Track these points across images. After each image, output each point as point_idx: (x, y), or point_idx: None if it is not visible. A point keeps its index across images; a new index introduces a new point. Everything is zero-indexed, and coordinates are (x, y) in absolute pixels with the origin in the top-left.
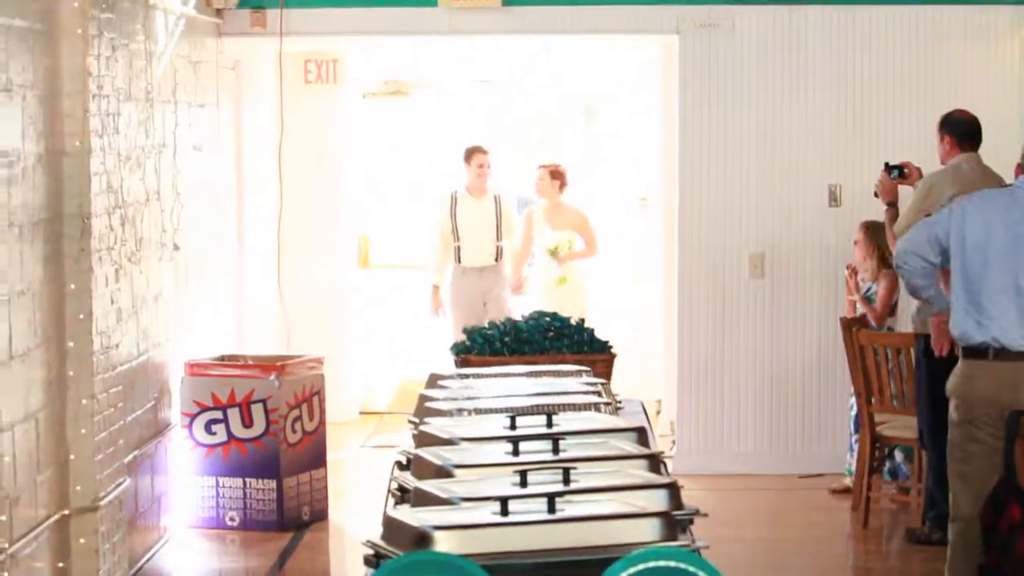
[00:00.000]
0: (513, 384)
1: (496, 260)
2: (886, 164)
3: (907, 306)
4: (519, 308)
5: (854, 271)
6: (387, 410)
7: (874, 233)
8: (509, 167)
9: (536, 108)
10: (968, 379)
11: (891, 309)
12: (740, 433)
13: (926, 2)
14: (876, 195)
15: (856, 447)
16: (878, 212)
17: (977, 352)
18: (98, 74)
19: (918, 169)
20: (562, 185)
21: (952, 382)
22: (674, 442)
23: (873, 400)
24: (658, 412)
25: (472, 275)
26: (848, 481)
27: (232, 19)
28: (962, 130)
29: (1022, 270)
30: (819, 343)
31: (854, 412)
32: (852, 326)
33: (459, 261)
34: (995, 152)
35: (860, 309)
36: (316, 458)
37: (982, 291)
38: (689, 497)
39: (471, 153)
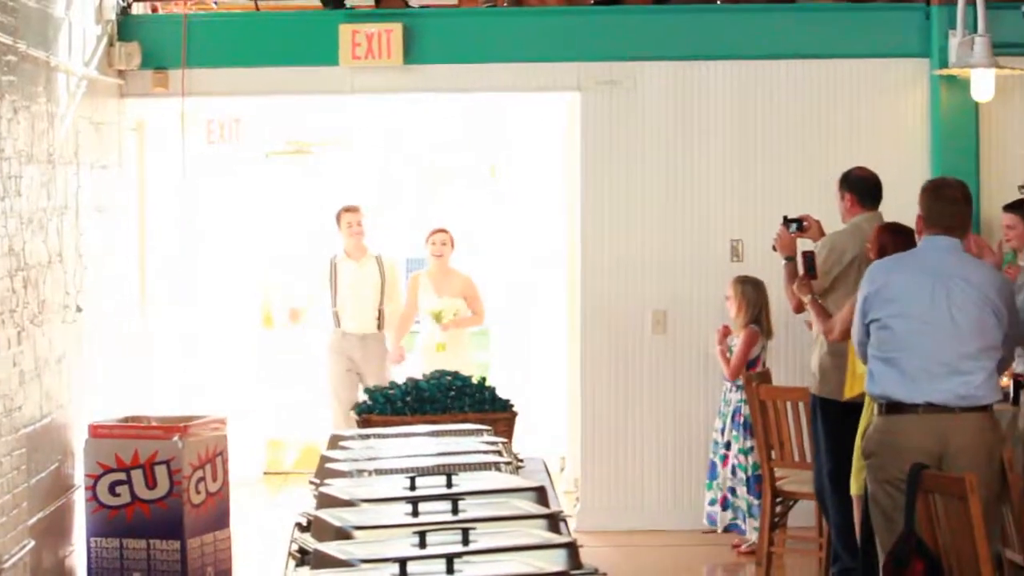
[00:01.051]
0: (414, 444)
1: (378, 327)
2: (784, 218)
3: (803, 361)
4: (398, 377)
5: (726, 332)
6: (291, 470)
7: (743, 287)
8: (409, 227)
9: (439, 166)
10: (893, 435)
11: (750, 364)
12: (644, 489)
13: (826, 56)
14: (774, 249)
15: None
16: (780, 268)
17: (903, 408)
18: (0, 137)
19: (817, 222)
20: (451, 249)
21: (875, 439)
22: (578, 499)
23: (773, 454)
24: (562, 469)
25: (352, 341)
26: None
27: (134, 80)
28: (863, 188)
29: (951, 332)
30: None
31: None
32: (753, 380)
33: (338, 325)
34: (898, 207)
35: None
36: (220, 519)
37: (910, 352)
38: (593, 554)
39: (341, 214)
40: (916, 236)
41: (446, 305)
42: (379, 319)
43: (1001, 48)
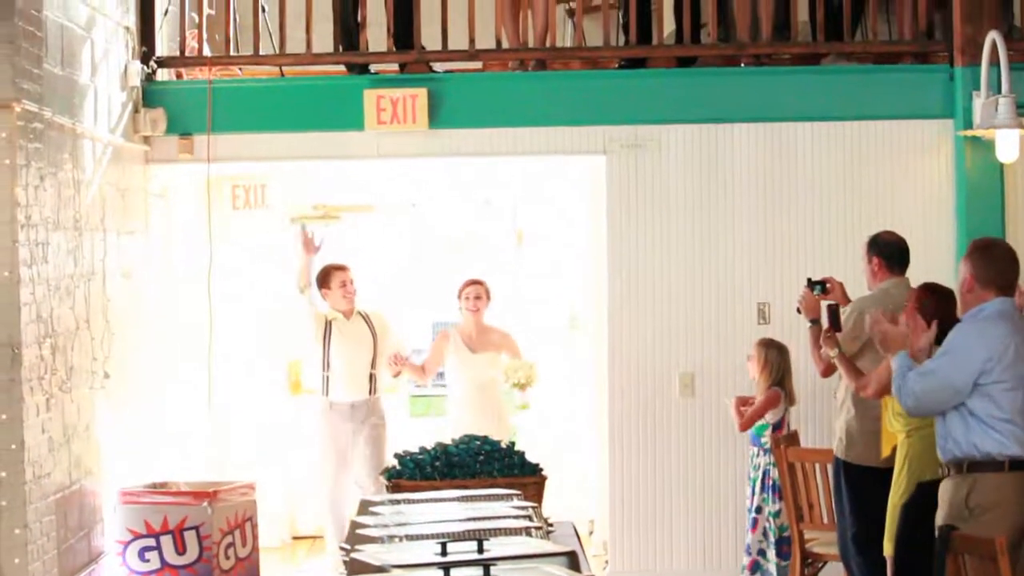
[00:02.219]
0: (444, 509)
1: (371, 393)
2: (808, 280)
3: (830, 424)
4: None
5: (742, 402)
6: (319, 534)
7: (767, 350)
8: (437, 289)
9: (465, 229)
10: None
11: (774, 428)
12: (673, 552)
13: (851, 118)
14: (799, 312)
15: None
16: (807, 331)
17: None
18: (27, 204)
19: (840, 284)
20: (487, 302)
21: (991, 496)
22: (607, 562)
23: (803, 516)
24: (591, 532)
25: (342, 412)
26: None
27: (159, 146)
28: (892, 252)
29: None
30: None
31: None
32: (781, 443)
33: (326, 394)
34: (924, 268)
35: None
36: None
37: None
38: None
39: (328, 273)
40: (960, 296)
41: (520, 368)
42: (371, 386)
43: None
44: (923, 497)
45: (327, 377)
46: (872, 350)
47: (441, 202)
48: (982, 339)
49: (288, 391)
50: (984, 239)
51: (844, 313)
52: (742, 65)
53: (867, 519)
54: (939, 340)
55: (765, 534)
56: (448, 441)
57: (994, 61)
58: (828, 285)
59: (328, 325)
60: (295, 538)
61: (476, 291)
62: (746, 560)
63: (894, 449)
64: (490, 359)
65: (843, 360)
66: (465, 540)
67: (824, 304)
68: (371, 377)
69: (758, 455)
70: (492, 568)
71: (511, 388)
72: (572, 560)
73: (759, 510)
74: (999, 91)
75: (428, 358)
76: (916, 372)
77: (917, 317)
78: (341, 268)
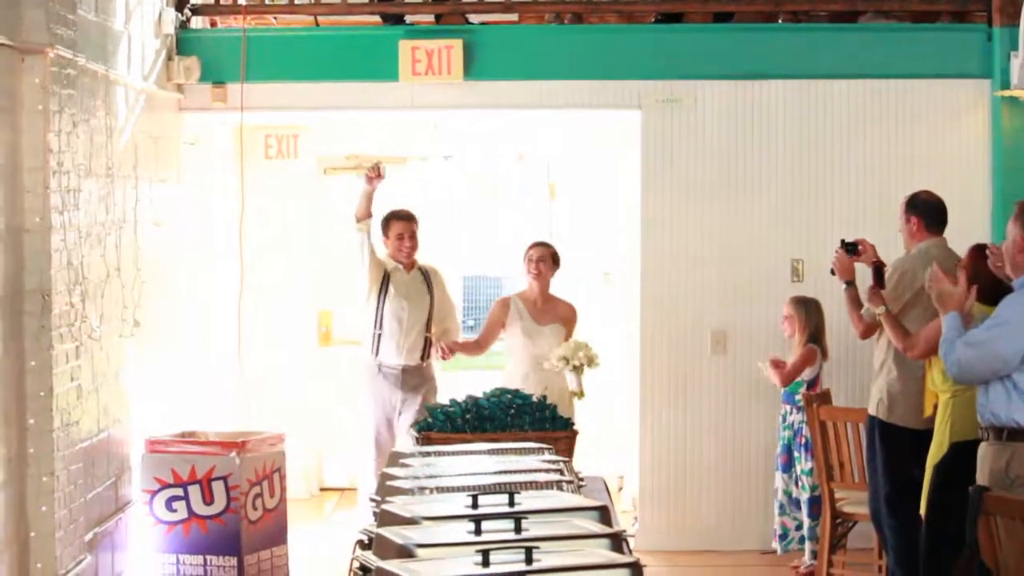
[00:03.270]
0: (475, 462)
1: (423, 359)
2: (841, 241)
3: (862, 383)
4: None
5: (776, 364)
6: (349, 486)
7: (802, 307)
8: (468, 242)
9: (498, 182)
10: None
11: (809, 385)
12: (703, 509)
13: (887, 76)
14: (833, 273)
15: (779, 526)
16: (841, 287)
17: None
18: (59, 150)
19: (872, 247)
20: (554, 269)
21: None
22: (636, 519)
23: (833, 475)
24: (620, 488)
25: (391, 377)
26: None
27: (193, 94)
28: (931, 212)
29: None
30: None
31: (780, 490)
32: (813, 401)
33: (376, 354)
34: (960, 229)
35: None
36: (277, 535)
37: None
38: (651, 574)
39: (388, 221)
40: (1011, 258)
41: (577, 350)
42: (424, 350)
43: None
44: (958, 458)
45: (378, 335)
46: (914, 309)
47: (474, 154)
48: None
49: (318, 342)
50: None
51: (887, 272)
52: (779, 21)
53: (901, 480)
54: (985, 300)
55: (789, 497)
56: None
57: None
58: (860, 247)
59: (386, 276)
60: (323, 489)
61: (539, 253)
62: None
63: (935, 409)
64: (555, 331)
65: (889, 318)
66: (496, 493)
67: (870, 263)
68: (426, 341)
69: (791, 412)
70: (523, 521)
71: (565, 370)
72: (603, 515)
73: (788, 468)
74: None
75: (484, 331)
76: (964, 341)
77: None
78: (403, 218)
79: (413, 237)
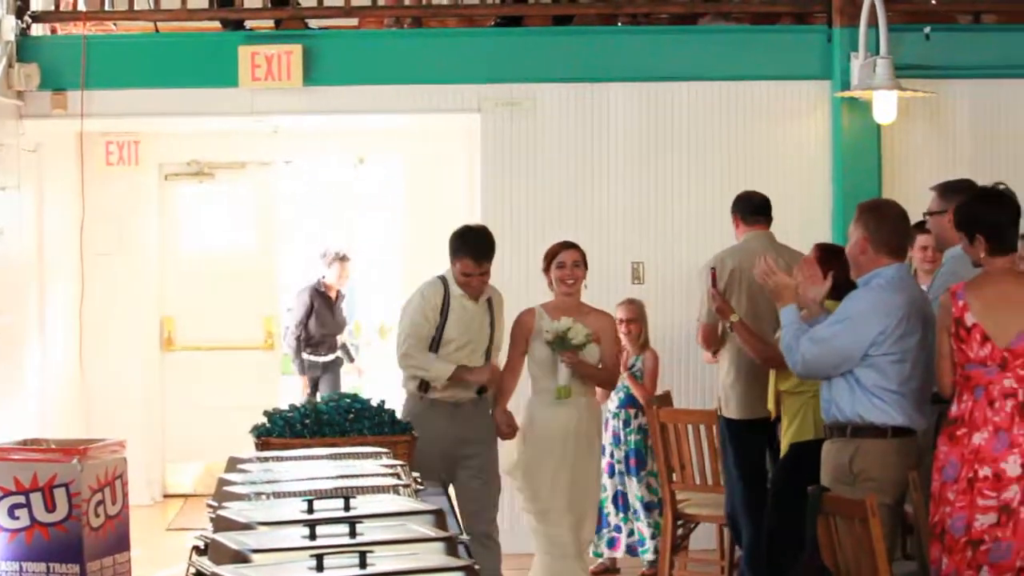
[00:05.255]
0: (313, 467)
1: (480, 392)
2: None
3: (704, 384)
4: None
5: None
6: (192, 492)
7: (640, 308)
8: (310, 251)
9: (341, 188)
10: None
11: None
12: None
13: (728, 78)
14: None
15: (605, 529)
16: (682, 290)
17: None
18: None
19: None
20: (585, 275)
21: (892, 462)
22: None
23: (675, 477)
24: None
25: (442, 413)
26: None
27: (33, 101)
28: (743, 205)
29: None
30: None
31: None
32: (653, 403)
33: (425, 390)
34: (801, 228)
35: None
36: (120, 542)
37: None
38: None
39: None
40: (852, 259)
41: (574, 326)
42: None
43: (903, 70)
44: (796, 458)
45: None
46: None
47: (315, 159)
48: (877, 311)
49: (160, 348)
50: (874, 200)
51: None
52: (619, 24)
53: (752, 477)
54: (833, 296)
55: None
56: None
57: (872, 22)
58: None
59: (446, 300)
60: (166, 496)
61: (574, 257)
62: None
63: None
64: (589, 353)
65: (743, 328)
66: (332, 497)
67: (708, 269)
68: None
69: (636, 416)
70: (358, 525)
71: (563, 346)
72: (439, 518)
73: (639, 471)
74: (877, 52)
75: (512, 351)
76: (808, 337)
77: (816, 268)
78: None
79: (488, 271)
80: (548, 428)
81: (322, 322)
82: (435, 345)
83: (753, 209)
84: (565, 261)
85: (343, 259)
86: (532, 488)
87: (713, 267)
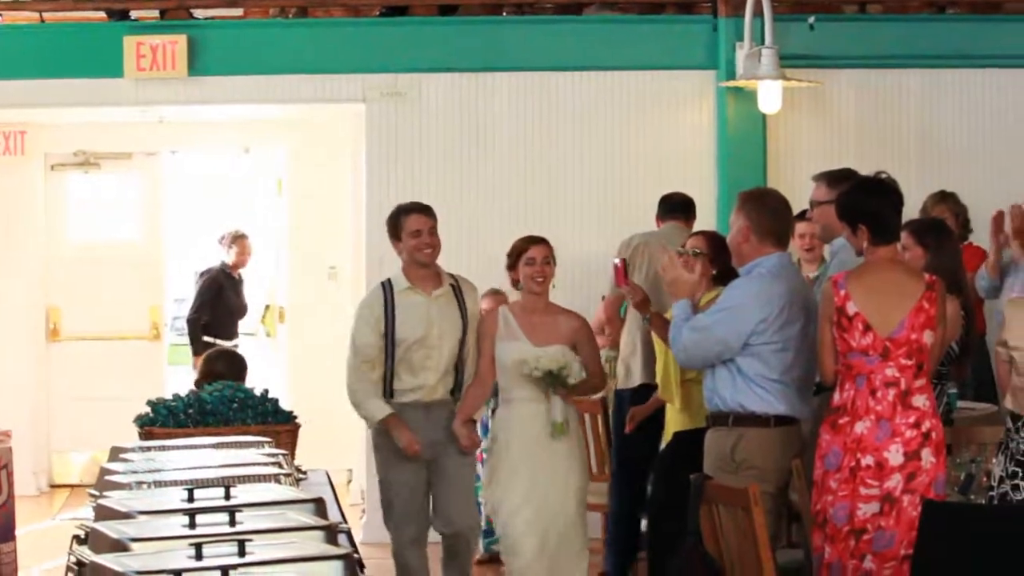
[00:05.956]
0: (195, 456)
1: (452, 391)
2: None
3: None
4: None
5: None
6: (79, 483)
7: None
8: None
9: (226, 178)
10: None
11: None
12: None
13: (613, 68)
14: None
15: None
16: (565, 278)
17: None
18: None
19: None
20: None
21: (777, 451)
22: (364, 511)
23: None
24: (349, 481)
25: (413, 417)
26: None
27: None
28: (660, 206)
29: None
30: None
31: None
32: None
33: (391, 395)
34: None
35: None
36: (5, 532)
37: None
38: (378, 566)
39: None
40: (735, 248)
41: (563, 358)
42: (456, 381)
43: (788, 60)
44: (678, 446)
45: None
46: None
47: (201, 149)
48: (758, 300)
49: (46, 338)
50: (755, 189)
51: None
52: (504, 14)
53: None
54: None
55: None
56: None
57: (757, 12)
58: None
59: (389, 293)
60: (52, 486)
61: (543, 253)
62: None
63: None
64: (559, 356)
65: (660, 321)
66: (213, 487)
67: (613, 262)
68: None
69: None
70: (237, 514)
71: (548, 382)
72: (320, 507)
73: None
74: (762, 42)
75: (480, 361)
76: (690, 326)
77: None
78: (416, 209)
79: (433, 234)
80: (515, 440)
81: (228, 305)
82: (390, 351)
83: (669, 208)
84: (535, 257)
85: (241, 237)
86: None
87: (622, 259)
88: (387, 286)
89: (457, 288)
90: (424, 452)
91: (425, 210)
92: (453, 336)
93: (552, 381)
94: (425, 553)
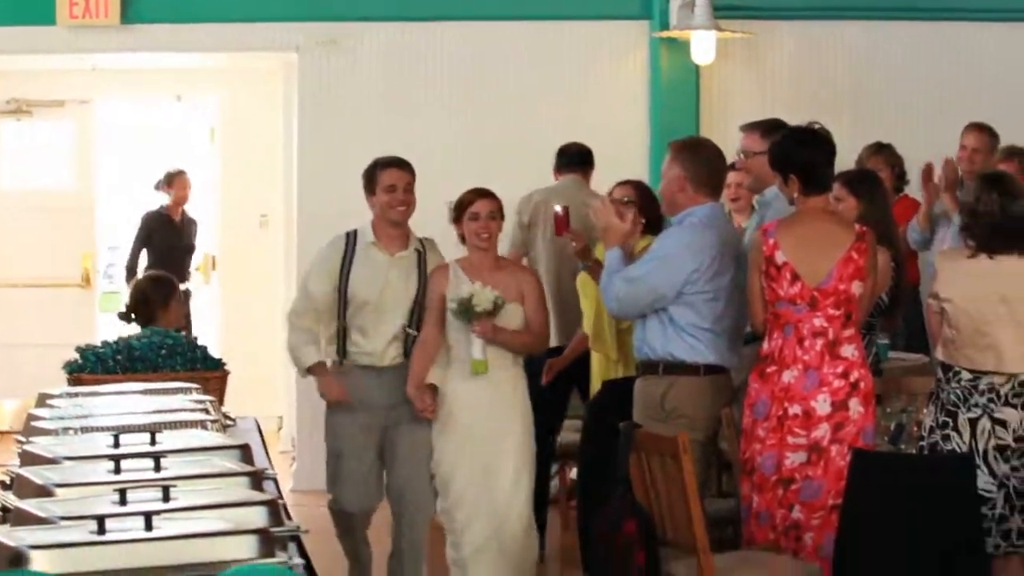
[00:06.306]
0: (123, 402)
1: (406, 355)
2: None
3: None
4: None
5: None
6: (9, 430)
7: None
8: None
9: (159, 126)
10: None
11: None
12: None
13: (545, 18)
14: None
15: None
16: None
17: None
18: None
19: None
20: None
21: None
22: (294, 459)
23: None
24: (279, 428)
25: (369, 379)
26: None
27: None
28: (557, 158)
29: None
30: None
31: None
32: None
33: (343, 355)
34: (616, 169)
35: None
36: None
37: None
38: (306, 514)
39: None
40: (669, 196)
41: (480, 292)
42: (406, 345)
43: (722, 11)
44: (608, 395)
45: (342, 329)
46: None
47: (134, 98)
48: (690, 249)
49: None
50: (690, 138)
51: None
52: None
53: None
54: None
55: None
56: None
57: None
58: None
59: (350, 247)
60: None
61: (488, 207)
62: None
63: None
64: (510, 314)
65: (599, 269)
66: (139, 432)
67: (556, 209)
68: (408, 336)
69: None
70: (162, 460)
71: (467, 315)
72: (245, 453)
73: None
74: None
75: (426, 319)
76: (621, 277)
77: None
78: (393, 164)
79: (409, 191)
80: (460, 409)
81: (166, 247)
82: (342, 308)
83: (567, 160)
84: (479, 212)
85: (176, 174)
86: (450, 495)
87: (564, 207)
88: (351, 237)
89: (423, 253)
90: (378, 419)
91: (403, 165)
92: (407, 301)
93: (464, 313)
94: (370, 522)
